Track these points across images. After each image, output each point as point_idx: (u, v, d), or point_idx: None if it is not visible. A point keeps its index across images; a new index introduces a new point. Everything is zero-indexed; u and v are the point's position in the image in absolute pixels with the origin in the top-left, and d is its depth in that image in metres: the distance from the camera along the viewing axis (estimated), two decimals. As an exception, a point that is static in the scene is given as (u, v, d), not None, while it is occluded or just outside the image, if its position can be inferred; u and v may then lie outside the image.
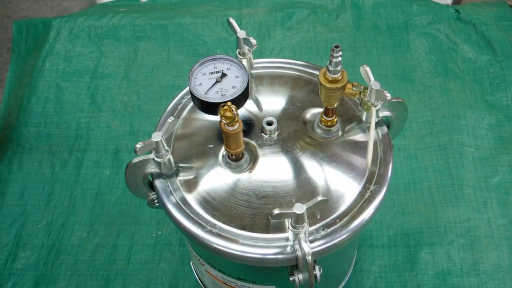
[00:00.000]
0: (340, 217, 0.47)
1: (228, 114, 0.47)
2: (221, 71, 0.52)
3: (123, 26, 0.98)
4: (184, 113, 0.57)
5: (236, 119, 0.48)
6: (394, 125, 0.55)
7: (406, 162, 0.80)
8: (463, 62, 0.92)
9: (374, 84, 0.47)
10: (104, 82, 0.92)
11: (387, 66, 0.91)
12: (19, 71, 0.96)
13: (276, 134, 0.52)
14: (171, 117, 0.46)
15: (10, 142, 0.84)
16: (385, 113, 0.52)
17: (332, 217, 0.47)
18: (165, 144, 0.46)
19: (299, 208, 0.42)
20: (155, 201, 0.53)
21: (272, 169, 0.50)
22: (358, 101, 0.54)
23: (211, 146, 0.52)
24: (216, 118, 0.48)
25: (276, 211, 0.42)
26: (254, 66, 0.59)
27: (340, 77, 0.48)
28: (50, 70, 0.93)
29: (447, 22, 0.96)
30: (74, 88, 0.88)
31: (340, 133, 0.53)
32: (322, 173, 0.50)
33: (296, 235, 0.44)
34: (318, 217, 0.47)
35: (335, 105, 0.50)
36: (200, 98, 0.50)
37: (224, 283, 0.55)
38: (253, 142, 0.52)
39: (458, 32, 0.95)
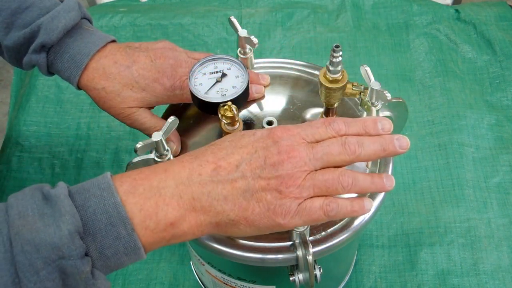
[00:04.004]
0: (340, 217, 0.47)
1: (228, 114, 0.47)
2: (221, 71, 0.52)
3: (123, 26, 0.98)
4: (185, 113, 0.57)
5: (236, 119, 0.48)
6: (394, 125, 0.55)
7: (406, 162, 0.80)
8: (463, 62, 0.92)
9: (374, 84, 0.47)
10: (104, 82, 0.92)
11: (387, 66, 0.91)
12: (24, 73, 0.95)
13: (276, 134, 0.52)
14: (172, 117, 0.46)
15: (9, 140, 0.84)
16: (385, 113, 0.52)
17: (332, 217, 0.47)
18: (165, 144, 0.46)
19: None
20: (155, 201, 0.53)
21: (272, 169, 0.50)
22: (358, 101, 0.54)
23: (211, 146, 0.52)
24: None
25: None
26: (255, 66, 0.59)
27: (340, 77, 0.48)
28: (50, 70, 0.93)
29: (447, 22, 0.96)
30: (74, 88, 0.89)
31: (340, 133, 0.53)
32: (322, 173, 0.50)
33: (296, 235, 0.44)
34: (318, 217, 0.47)
35: (335, 105, 0.50)
36: (200, 98, 0.50)
37: (224, 283, 0.55)
38: (253, 142, 0.52)
39: (458, 32, 0.95)
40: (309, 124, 0.42)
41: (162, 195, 0.39)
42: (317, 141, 0.41)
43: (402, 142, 0.42)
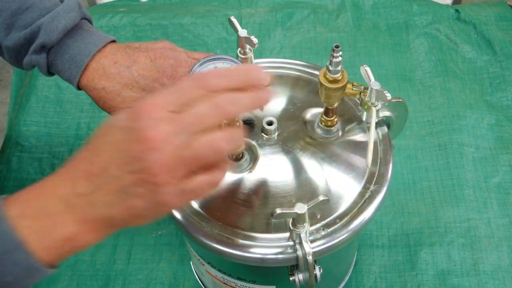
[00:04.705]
0: (340, 217, 0.47)
1: (228, 114, 0.47)
2: (221, 71, 0.52)
3: (123, 26, 0.98)
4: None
5: (236, 119, 0.48)
6: (394, 125, 0.55)
7: (406, 162, 0.80)
8: (463, 62, 0.92)
9: (374, 84, 0.48)
10: (104, 82, 0.92)
11: (387, 66, 0.91)
12: (24, 73, 0.96)
13: (276, 134, 0.52)
14: (171, 117, 0.46)
15: (9, 140, 0.84)
16: (385, 113, 0.52)
17: (332, 217, 0.47)
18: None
19: (301, 208, 0.42)
20: (155, 201, 0.53)
21: (272, 169, 0.50)
22: (358, 101, 0.54)
23: (211, 146, 0.52)
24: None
25: (278, 211, 0.42)
26: (254, 66, 0.59)
27: (340, 77, 0.48)
28: (50, 70, 0.92)
29: (447, 22, 0.96)
30: (74, 88, 0.89)
31: (340, 133, 0.53)
32: (322, 173, 0.50)
33: (296, 235, 0.44)
34: (318, 217, 0.47)
35: (335, 105, 0.50)
36: (200, 98, 0.50)
37: (224, 283, 0.55)
38: (253, 142, 0.52)
39: (458, 32, 0.95)
40: (175, 88, 0.38)
41: (52, 214, 0.38)
42: (186, 105, 0.37)
43: (264, 83, 0.40)
